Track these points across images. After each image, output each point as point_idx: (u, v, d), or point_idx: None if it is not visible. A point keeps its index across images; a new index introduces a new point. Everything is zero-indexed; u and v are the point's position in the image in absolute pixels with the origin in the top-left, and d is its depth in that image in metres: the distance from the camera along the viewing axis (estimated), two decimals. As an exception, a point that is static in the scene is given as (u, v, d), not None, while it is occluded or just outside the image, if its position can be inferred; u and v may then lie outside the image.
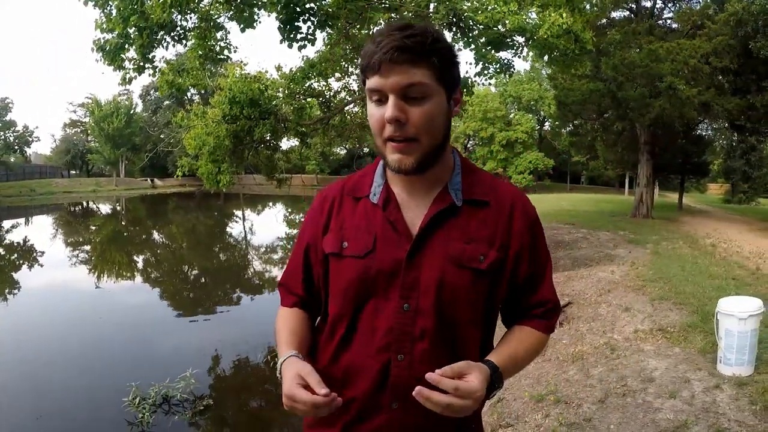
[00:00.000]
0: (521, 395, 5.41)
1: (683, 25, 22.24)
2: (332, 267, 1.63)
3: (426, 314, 1.51)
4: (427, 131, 1.44)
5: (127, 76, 12.28)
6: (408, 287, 1.52)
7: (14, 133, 58.47)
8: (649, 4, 24.31)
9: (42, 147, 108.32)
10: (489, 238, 1.55)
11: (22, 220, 37.05)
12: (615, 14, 24.68)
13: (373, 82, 1.42)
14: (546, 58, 13.54)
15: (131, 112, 69.13)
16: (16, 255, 21.85)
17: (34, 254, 21.58)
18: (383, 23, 14.53)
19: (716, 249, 13.68)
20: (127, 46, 11.60)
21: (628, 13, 24.60)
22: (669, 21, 24.52)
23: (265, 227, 31.39)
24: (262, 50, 50.94)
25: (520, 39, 12.37)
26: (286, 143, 19.23)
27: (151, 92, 75.47)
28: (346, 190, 1.68)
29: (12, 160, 63.13)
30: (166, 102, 72.64)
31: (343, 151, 77.41)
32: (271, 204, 49.03)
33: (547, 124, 68.53)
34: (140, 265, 19.86)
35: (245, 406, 7.81)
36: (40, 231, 30.29)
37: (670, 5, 24.85)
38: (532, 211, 1.65)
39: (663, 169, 28.04)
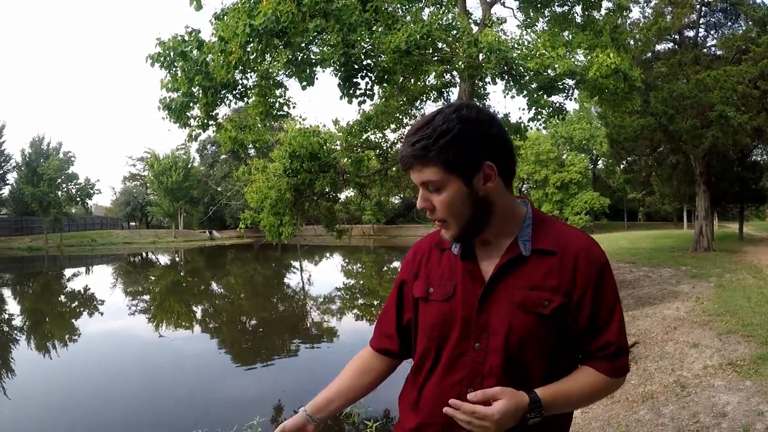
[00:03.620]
0: (592, 437, 5.45)
1: (728, 52, 21.99)
2: (420, 310, 1.85)
3: (495, 353, 1.67)
4: (450, 214, 1.67)
5: (193, 133, 12.71)
6: (479, 329, 1.70)
7: (76, 186, 59.76)
8: (692, 34, 24.17)
9: (102, 199, 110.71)
10: (554, 285, 1.67)
11: (83, 269, 38.01)
12: (659, 47, 24.60)
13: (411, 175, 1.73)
14: (596, 98, 13.63)
15: (189, 166, 70.55)
16: (77, 303, 22.42)
17: (95, 302, 22.08)
18: (434, 74, 14.83)
19: (781, 277, 13.44)
20: (191, 104, 12.02)
21: (672, 44, 24.49)
22: (713, 49, 24.32)
23: (323, 278, 31.34)
24: (318, 104, 51.95)
25: (570, 82, 12.48)
26: (343, 194, 19.40)
27: (208, 146, 77.01)
28: (434, 242, 1.90)
29: (73, 211, 64.55)
30: (223, 156, 73.97)
31: (398, 201, 77.17)
32: (328, 255, 48.83)
33: (600, 162, 67.78)
34: (199, 314, 20.07)
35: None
36: (101, 280, 31.07)
37: (712, 33, 24.69)
38: (598, 258, 1.73)
39: (721, 200, 27.54)
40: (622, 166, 32.12)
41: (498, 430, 1.56)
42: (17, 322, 18.13)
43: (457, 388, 1.71)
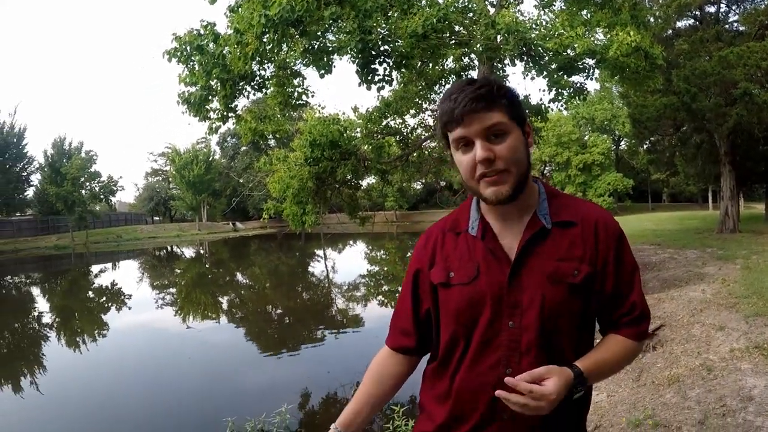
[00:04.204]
0: (618, 421, 5.39)
1: (750, 27, 21.59)
2: (441, 296, 1.80)
3: (530, 329, 1.66)
4: (514, 162, 1.64)
5: (213, 125, 12.78)
6: (511, 306, 1.67)
7: (99, 184, 60.53)
8: (713, 10, 23.74)
9: (126, 196, 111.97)
10: (580, 255, 1.70)
11: (109, 265, 38.35)
12: (680, 24, 24.19)
13: (457, 132, 1.64)
14: (617, 77, 13.49)
15: (210, 159, 71.03)
16: (105, 298, 22.70)
17: (123, 297, 22.34)
18: (452, 58, 14.77)
19: (808, 259, 13.22)
20: (210, 97, 12.07)
21: (693, 21, 24.09)
22: (735, 24, 23.85)
23: (347, 266, 31.42)
24: (337, 92, 52.34)
25: (590, 61, 12.37)
26: (365, 181, 19.44)
27: (228, 139, 77.52)
28: (447, 227, 1.87)
29: (98, 208, 65.22)
30: (244, 148, 74.50)
31: (420, 186, 77.05)
32: (351, 242, 49.14)
33: (623, 143, 67.26)
34: (225, 305, 20.22)
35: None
36: (128, 275, 31.41)
37: (734, 8, 24.24)
38: (615, 226, 1.78)
39: (747, 179, 27.12)
40: (645, 147, 31.88)
41: (551, 408, 1.54)
42: (47, 318, 18.42)
43: (495, 371, 1.68)
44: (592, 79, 13.47)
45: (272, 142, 50.35)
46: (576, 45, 11.52)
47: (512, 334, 1.67)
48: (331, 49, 11.50)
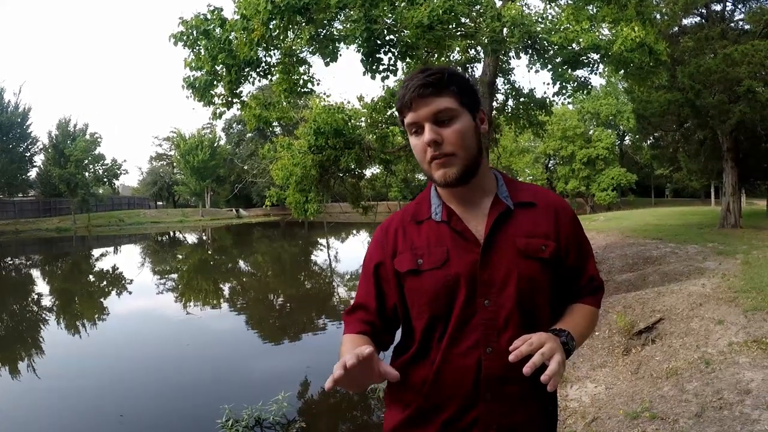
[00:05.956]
0: (616, 413, 5.43)
1: (755, 26, 21.45)
2: (410, 285, 1.82)
3: (506, 306, 1.72)
4: (461, 146, 1.72)
5: (217, 111, 12.76)
6: (485, 285, 1.72)
7: (103, 166, 60.49)
8: (719, 8, 23.64)
9: (129, 179, 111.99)
10: (545, 232, 1.80)
11: (111, 249, 38.41)
12: (686, 21, 24.05)
13: (409, 117, 1.73)
14: (622, 72, 13.48)
15: (215, 144, 70.87)
16: (105, 282, 22.68)
17: (123, 282, 22.30)
18: (458, 50, 14.75)
19: (808, 254, 13.21)
20: (215, 82, 12.05)
21: (699, 19, 24.00)
22: (741, 23, 23.73)
23: (350, 255, 31.12)
24: (343, 81, 52.05)
25: (595, 56, 12.36)
26: (369, 171, 19.40)
27: (234, 125, 77.43)
28: (407, 217, 1.92)
29: (101, 191, 65.16)
30: (249, 134, 74.42)
31: (424, 177, 76.91)
32: (355, 232, 48.88)
33: (627, 138, 67.06)
34: (226, 292, 20.13)
35: (336, 430, 7.85)
36: (129, 259, 31.33)
37: (740, 7, 24.13)
38: (570, 208, 1.91)
39: (749, 176, 27.06)
40: (648, 142, 31.77)
41: (555, 345, 1.61)
42: (47, 302, 18.37)
43: (476, 350, 1.72)
44: (596, 73, 13.47)
45: (278, 130, 50.30)
46: (581, 39, 11.51)
47: (488, 312, 1.72)
48: (337, 37, 11.49)
